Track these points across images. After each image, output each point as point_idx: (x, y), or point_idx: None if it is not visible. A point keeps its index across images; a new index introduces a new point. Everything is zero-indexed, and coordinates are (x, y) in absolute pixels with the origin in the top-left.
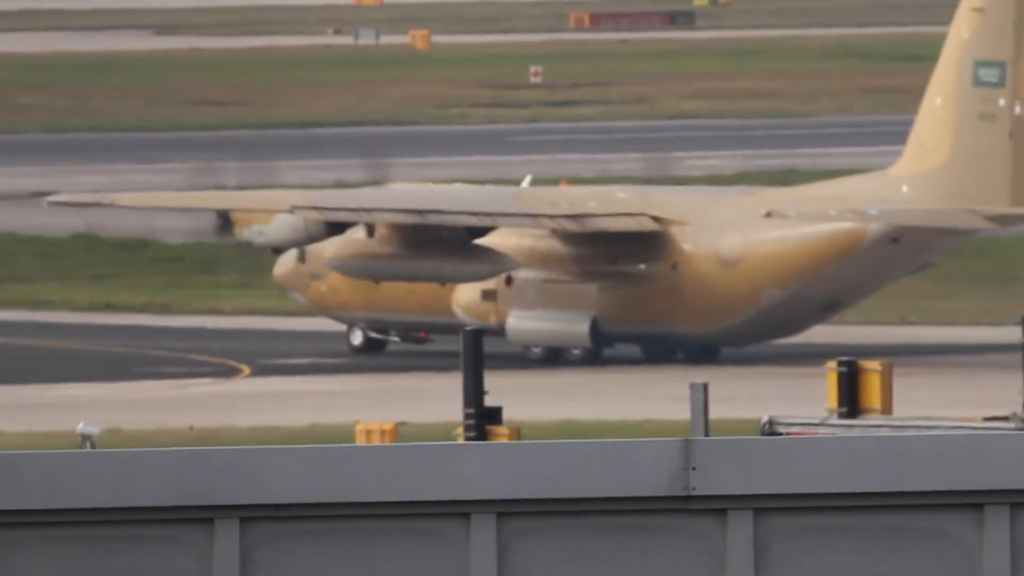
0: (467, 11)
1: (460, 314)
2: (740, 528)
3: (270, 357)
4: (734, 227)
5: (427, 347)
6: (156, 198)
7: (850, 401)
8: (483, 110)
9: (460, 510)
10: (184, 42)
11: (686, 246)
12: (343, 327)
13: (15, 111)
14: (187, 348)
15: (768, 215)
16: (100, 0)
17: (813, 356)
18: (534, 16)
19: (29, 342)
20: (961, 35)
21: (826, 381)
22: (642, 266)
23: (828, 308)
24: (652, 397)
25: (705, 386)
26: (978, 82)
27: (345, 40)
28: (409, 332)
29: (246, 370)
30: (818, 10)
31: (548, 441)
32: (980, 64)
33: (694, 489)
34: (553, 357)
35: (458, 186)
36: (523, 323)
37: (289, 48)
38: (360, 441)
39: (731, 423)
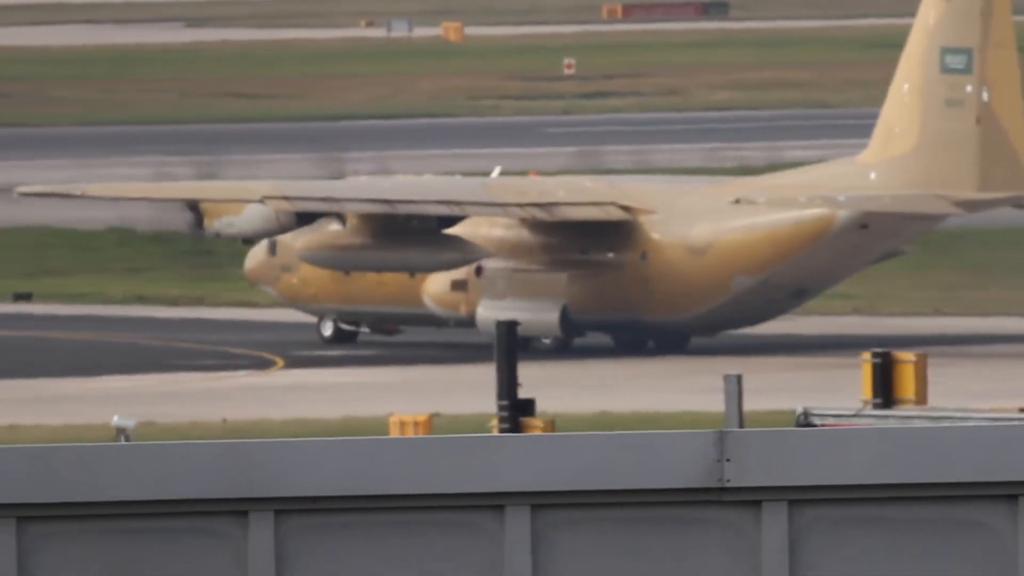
0: (500, 3)
1: (431, 304)
2: (774, 520)
3: (303, 349)
4: (703, 215)
5: (399, 338)
6: (127, 189)
7: (885, 392)
8: (516, 102)
9: (494, 502)
10: (215, 35)
11: (655, 235)
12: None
13: (46, 104)
14: (221, 341)
15: (736, 202)
16: None
17: (847, 347)
18: (567, 8)
19: (63, 335)
20: (928, 22)
21: (861, 372)
22: (611, 255)
23: (797, 295)
24: (686, 389)
25: (739, 377)
26: (945, 69)
27: (378, 32)
28: (380, 323)
29: (280, 362)
30: (851, 1)
31: (582, 433)
32: (947, 51)
33: (728, 481)
34: (523, 346)
35: (428, 177)
36: (493, 313)
37: (321, 40)
38: (394, 433)
39: (765, 415)
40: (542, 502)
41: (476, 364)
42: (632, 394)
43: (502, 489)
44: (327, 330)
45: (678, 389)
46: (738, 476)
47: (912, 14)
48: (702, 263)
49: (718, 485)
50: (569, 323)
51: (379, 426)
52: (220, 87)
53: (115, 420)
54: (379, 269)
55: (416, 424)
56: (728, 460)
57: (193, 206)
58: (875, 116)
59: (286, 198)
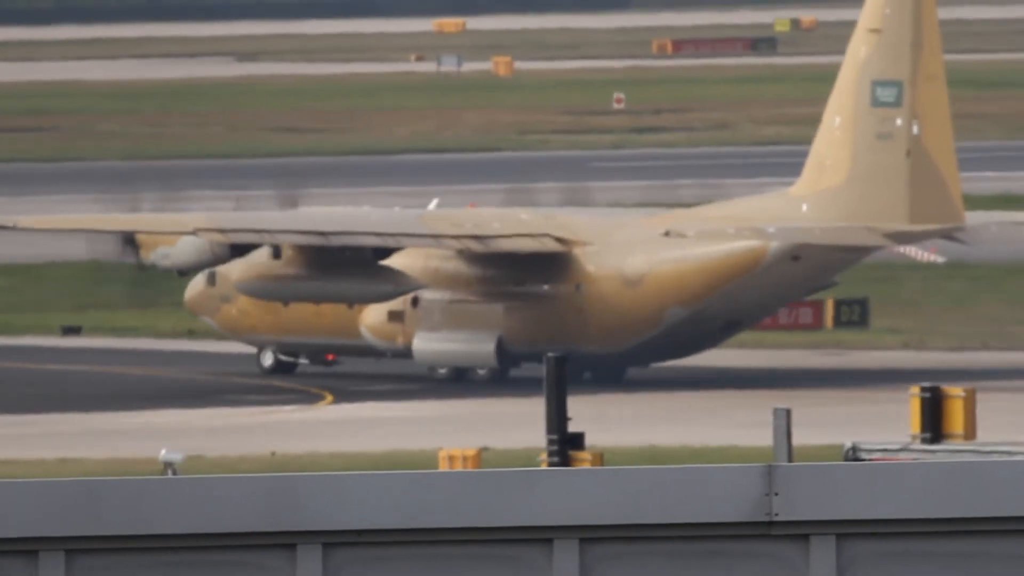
0: (549, 38)
1: (368, 336)
2: (823, 554)
3: (352, 384)
4: (637, 247)
5: (336, 368)
6: (60, 221)
7: (933, 427)
8: (565, 136)
9: (543, 536)
10: (265, 69)
11: (589, 267)
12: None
13: (95, 138)
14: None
15: (666, 234)
16: (181, 27)
17: (896, 381)
18: (616, 43)
19: (113, 369)
20: (859, 55)
21: (909, 406)
22: (546, 286)
23: (730, 327)
24: (735, 423)
25: (788, 412)
26: (876, 102)
27: (427, 67)
28: (317, 354)
29: (328, 397)
30: None
31: (630, 467)
32: (878, 84)
33: (776, 515)
34: (459, 377)
35: (366, 208)
36: (429, 344)
37: (371, 75)
38: (443, 467)
39: (814, 449)
40: (590, 536)
41: (526, 398)
42: (680, 428)
43: (550, 523)
44: (267, 361)
45: (726, 423)
46: (786, 510)
47: (960, 50)
48: (636, 295)
49: (766, 519)
50: (505, 354)
51: (428, 460)
52: (270, 121)
53: (163, 454)
54: (313, 300)
55: (465, 458)
56: (776, 494)
57: (129, 238)
58: None
59: (219, 230)
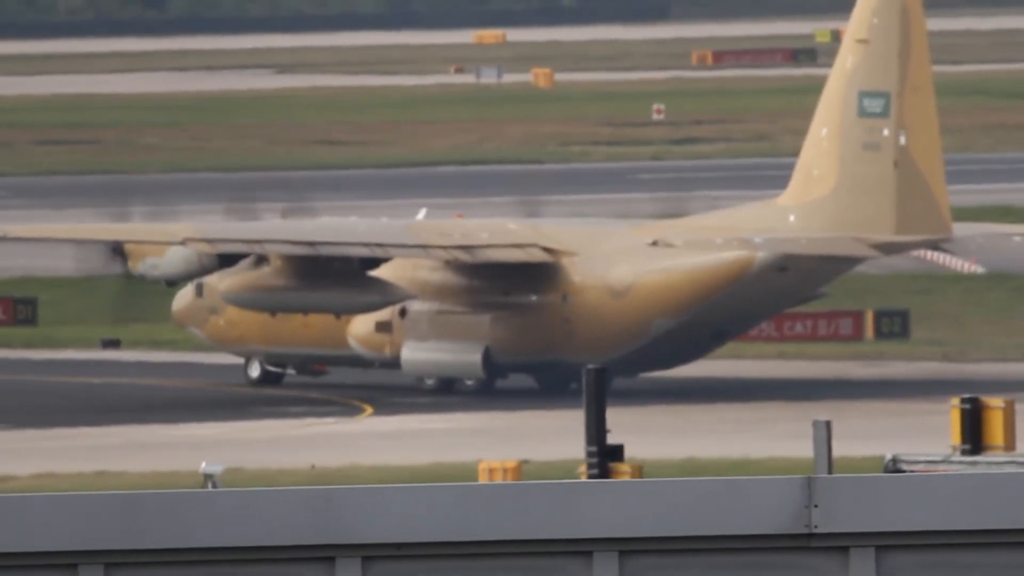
0: (589, 49)
1: (355, 346)
2: (862, 566)
3: (392, 396)
4: (623, 257)
5: (323, 379)
6: (48, 230)
7: (973, 438)
8: (606, 148)
9: (582, 548)
10: (305, 81)
11: (576, 277)
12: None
13: (135, 151)
14: (309, 387)
15: (654, 244)
16: (221, 40)
17: (936, 393)
18: (656, 54)
19: (151, 382)
20: (846, 66)
21: (949, 418)
22: (533, 297)
23: (717, 337)
24: (774, 434)
25: (828, 423)
26: (863, 112)
27: (467, 79)
28: (305, 365)
29: (368, 409)
30: (939, 47)
31: (670, 479)
32: (865, 95)
33: (816, 527)
34: (447, 388)
35: (353, 219)
36: (417, 354)
37: (410, 87)
38: (483, 479)
39: (854, 461)
40: (630, 548)
41: (566, 410)
42: (720, 439)
43: (590, 535)
44: (254, 372)
45: (766, 434)
46: (826, 522)
47: (997, 60)
48: (622, 305)
49: (806, 531)
50: (492, 365)
51: (468, 472)
52: (309, 134)
53: (203, 467)
54: (301, 311)
55: (505, 470)
56: (816, 506)
57: (117, 248)
58: (961, 162)
59: (207, 240)
